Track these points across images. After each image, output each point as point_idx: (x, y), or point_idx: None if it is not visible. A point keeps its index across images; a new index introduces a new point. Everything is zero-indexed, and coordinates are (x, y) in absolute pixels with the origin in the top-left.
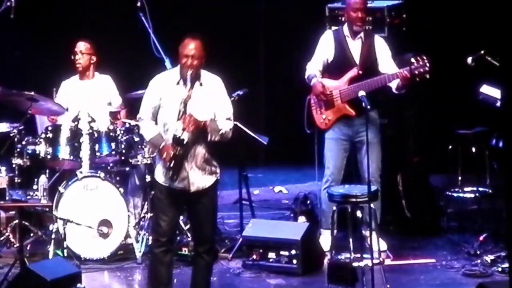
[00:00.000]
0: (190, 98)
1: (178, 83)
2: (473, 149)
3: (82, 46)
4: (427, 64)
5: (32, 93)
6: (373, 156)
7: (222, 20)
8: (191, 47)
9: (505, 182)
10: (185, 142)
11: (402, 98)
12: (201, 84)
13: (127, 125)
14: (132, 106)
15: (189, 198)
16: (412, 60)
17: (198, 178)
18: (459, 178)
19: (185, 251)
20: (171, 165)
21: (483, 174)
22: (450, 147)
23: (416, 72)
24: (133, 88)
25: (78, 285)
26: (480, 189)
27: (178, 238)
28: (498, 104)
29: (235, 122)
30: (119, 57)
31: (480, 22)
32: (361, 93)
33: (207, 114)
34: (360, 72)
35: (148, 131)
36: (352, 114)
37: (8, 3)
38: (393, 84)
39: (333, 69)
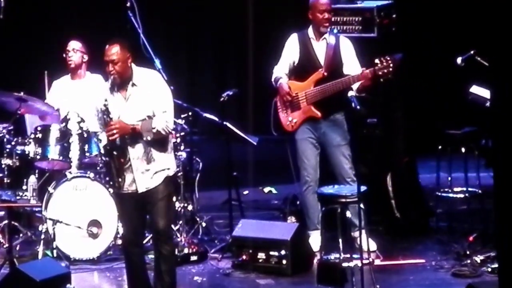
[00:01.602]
0: (107, 106)
1: (111, 89)
2: (463, 149)
3: (74, 44)
4: (391, 65)
5: (21, 93)
6: (345, 158)
7: (211, 20)
8: (110, 52)
9: (494, 183)
10: (113, 150)
11: (391, 98)
12: (133, 85)
13: None
14: None
15: (142, 198)
16: (376, 61)
17: (146, 179)
18: (449, 178)
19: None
20: (113, 173)
21: (472, 174)
22: (440, 147)
23: (380, 73)
24: None
25: (68, 285)
26: (470, 189)
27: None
28: (488, 104)
29: (224, 122)
30: None
31: (470, 22)
32: (351, 93)
33: (143, 114)
34: (325, 74)
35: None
36: (318, 116)
37: None
38: (355, 86)
39: (299, 72)
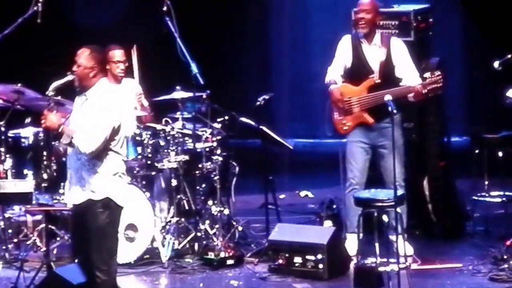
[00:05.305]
0: (50, 105)
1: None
2: (500, 153)
3: (119, 54)
4: (441, 81)
5: (59, 97)
6: (395, 161)
7: (248, 24)
8: (78, 53)
9: None
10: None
11: (426, 102)
12: (85, 97)
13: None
14: (158, 111)
15: (79, 218)
16: (427, 75)
17: (73, 192)
18: (486, 182)
19: (211, 255)
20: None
21: (510, 178)
22: (477, 151)
23: (428, 88)
24: (159, 92)
25: None
26: (507, 193)
27: (204, 242)
28: None
29: (261, 126)
30: (144, 61)
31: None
32: (388, 97)
33: (79, 126)
34: (378, 80)
35: None
36: (370, 122)
37: (35, 8)
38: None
39: (352, 75)
